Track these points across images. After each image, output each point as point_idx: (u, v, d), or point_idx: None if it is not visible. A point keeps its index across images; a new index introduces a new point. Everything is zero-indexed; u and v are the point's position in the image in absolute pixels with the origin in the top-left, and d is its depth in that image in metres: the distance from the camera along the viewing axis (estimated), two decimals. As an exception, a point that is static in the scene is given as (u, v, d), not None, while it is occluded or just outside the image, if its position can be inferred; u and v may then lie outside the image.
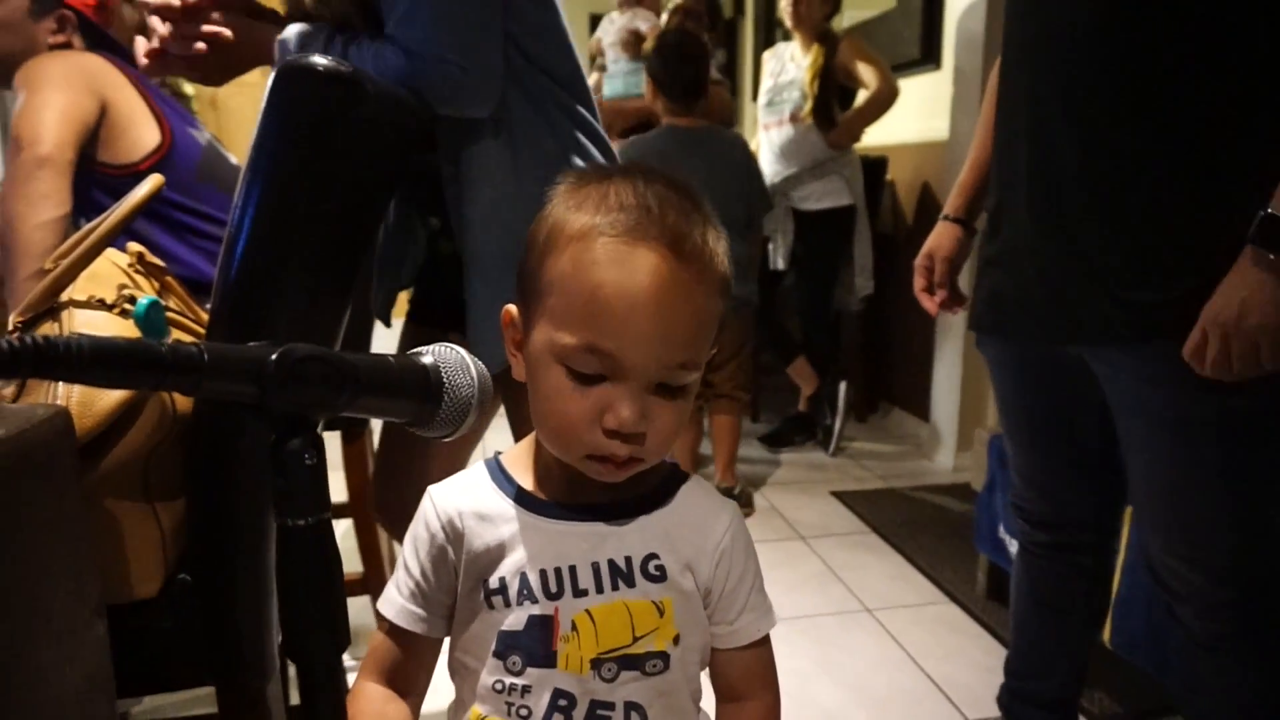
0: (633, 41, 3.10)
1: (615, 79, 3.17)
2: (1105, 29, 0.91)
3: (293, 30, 1.05)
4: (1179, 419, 0.96)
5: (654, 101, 2.54)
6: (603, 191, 0.58)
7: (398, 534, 1.37)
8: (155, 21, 1.06)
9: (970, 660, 1.75)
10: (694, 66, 2.45)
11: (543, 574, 0.62)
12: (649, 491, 0.65)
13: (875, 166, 3.18)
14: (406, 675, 0.66)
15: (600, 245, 0.56)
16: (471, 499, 0.65)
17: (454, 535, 0.64)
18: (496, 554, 0.62)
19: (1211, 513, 0.98)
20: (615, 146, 2.49)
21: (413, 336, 1.25)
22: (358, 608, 1.74)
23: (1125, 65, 0.91)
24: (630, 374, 0.56)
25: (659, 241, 0.55)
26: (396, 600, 0.65)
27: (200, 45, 1.07)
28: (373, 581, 1.62)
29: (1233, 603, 0.99)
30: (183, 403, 0.91)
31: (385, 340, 1.40)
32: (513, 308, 0.63)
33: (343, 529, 1.98)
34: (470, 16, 0.98)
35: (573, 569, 0.62)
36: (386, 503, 1.30)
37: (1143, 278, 0.93)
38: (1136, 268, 0.94)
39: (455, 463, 1.24)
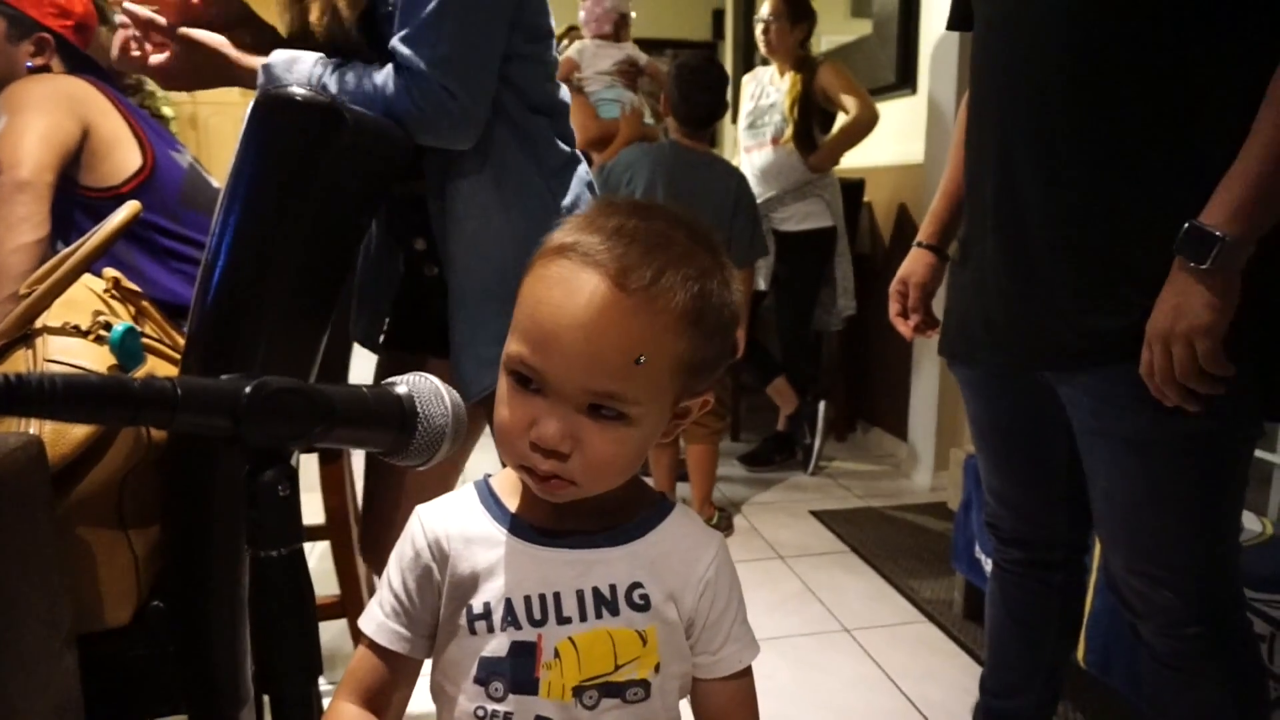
0: (631, 72, 3.15)
1: (613, 105, 3.19)
2: (1072, 76, 0.95)
3: (277, 57, 1.06)
4: (1141, 440, 0.98)
5: (664, 117, 2.59)
6: (594, 217, 0.59)
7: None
8: (124, 18, 1.07)
9: (948, 680, 1.76)
10: (709, 95, 2.48)
11: (527, 600, 0.62)
12: (636, 520, 0.65)
13: (853, 189, 3.22)
14: (384, 695, 0.65)
15: (556, 264, 0.57)
16: (460, 521, 0.65)
17: (440, 556, 0.64)
18: (481, 578, 0.62)
19: (1172, 532, 1.00)
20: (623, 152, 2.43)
21: (390, 361, 1.25)
22: (334, 631, 1.73)
23: (1090, 110, 0.94)
24: (553, 392, 0.57)
25: (604, 270, 0.56)
26: (378, 617, 0.65)
27: (159, 57, 1.07)
28: (349, 605, 1.61)
29: (1193, 620, 1.00)
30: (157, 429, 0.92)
31: (362, 364, 1.40)
32: None
33: (320, 551, 1.97)
34: (478, 53, 1.00)
35: (558, 596, 0.62)
36: (374, 544, 1.27)
37: (1102, 304, 0.96)
38: (1096, 294, 0.97)
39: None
